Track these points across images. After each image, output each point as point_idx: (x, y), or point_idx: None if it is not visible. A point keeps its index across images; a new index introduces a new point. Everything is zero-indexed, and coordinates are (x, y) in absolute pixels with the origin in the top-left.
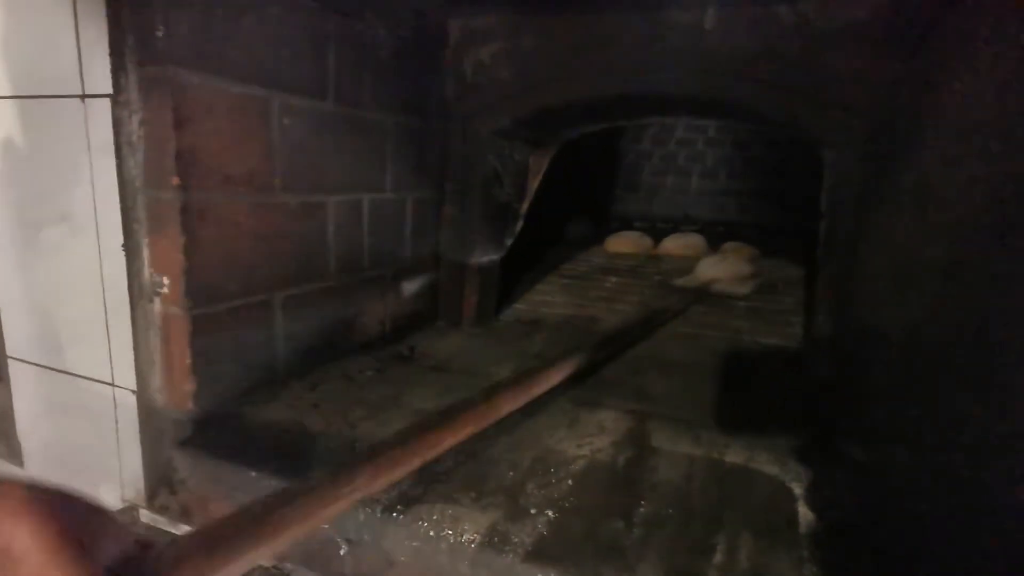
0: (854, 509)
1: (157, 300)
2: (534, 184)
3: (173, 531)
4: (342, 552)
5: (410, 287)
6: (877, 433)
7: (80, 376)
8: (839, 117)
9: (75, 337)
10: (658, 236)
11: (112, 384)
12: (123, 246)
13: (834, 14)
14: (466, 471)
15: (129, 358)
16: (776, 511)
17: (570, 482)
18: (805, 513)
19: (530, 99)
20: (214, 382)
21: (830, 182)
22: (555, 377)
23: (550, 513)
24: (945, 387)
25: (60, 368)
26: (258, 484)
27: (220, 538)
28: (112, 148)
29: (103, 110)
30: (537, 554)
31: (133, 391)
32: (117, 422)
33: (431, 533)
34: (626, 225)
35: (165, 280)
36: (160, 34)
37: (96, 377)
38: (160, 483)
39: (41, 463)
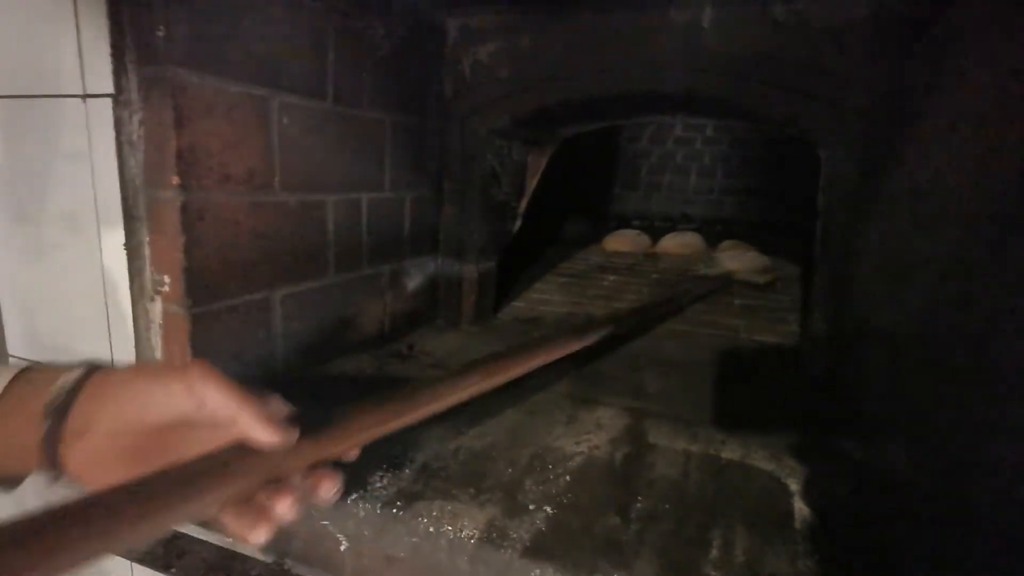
0: (850, 505)
1: (158, 299)
2: (532, 183)
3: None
4: (342, 548)
5: (410, 285)
6: (873, 430)
7: None
8: (835, 116)
9: (76, 336)
10: (656, 235)
11: None
12: (124, 245)
13: (831, 13)
14: (465, 468)
15: (130, 357)
16: (772, 506)
17: (568, 478)
18: (801, 508)
19: (528, 98)
20: None
21: (826, 181)
22: (587, 340)
23: (548, 509)
24: (941, 384)
25: None
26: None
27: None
28: (113, 148)
29: (104, 110)
30: (535, 550)
31: None
32: None
33: (430, 529)
34: (624, 224)
35: (166, 279)
36: (160, 34)
37: None
38: None
39: None
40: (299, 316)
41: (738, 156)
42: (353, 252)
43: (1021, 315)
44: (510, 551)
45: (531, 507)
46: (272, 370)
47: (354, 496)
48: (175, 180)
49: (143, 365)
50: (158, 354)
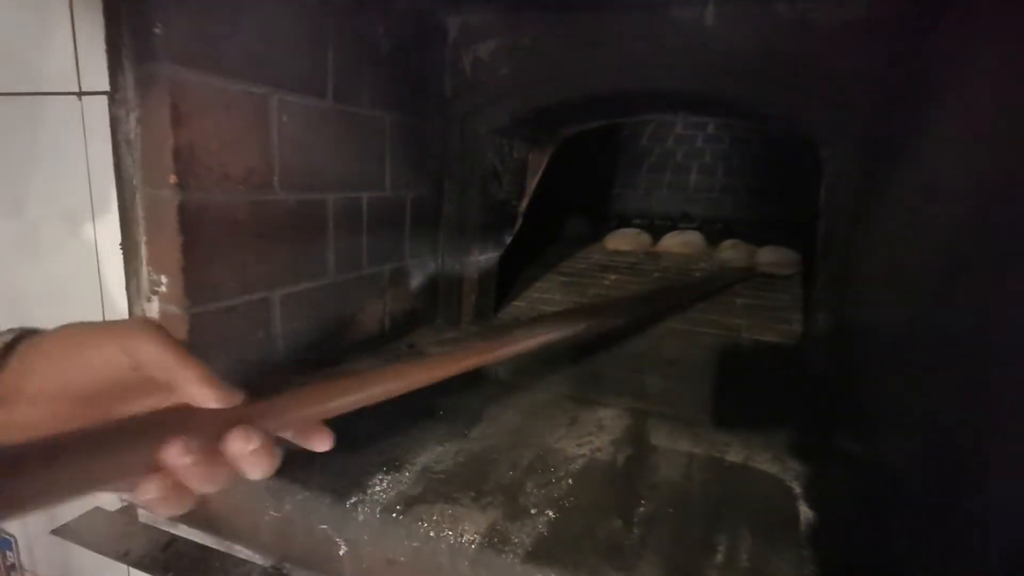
0: (855, 508)
1: (155, 299)
2: (533, 182)
3: (171, 531)
4: (341, 552)
5: (411, 284)
6: (876, 431)
7: None
8: (837, 115)
9: None
10: (657, 233)
11: None
12: (121, 245)
13: (833, 11)
14: (465, 470)
15: None
16: (777, 510)
17: (570, 481)
18: (805, 512)
19: (529, 96)
20: None
21: (828, 180)
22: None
23: (550, 513)
24: (943, 384)
25: None
26: (257, 483)
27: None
28: (109, 146)
29: (100, 108)
30: (537, 554)
31: None
32: None
33: (431, 533)
34: (624, 223)
35: (163, 279)
36: (157, 31)
37: None
38: None
39: None
40: (299, 316)
41: (739, 154)
42: (353, 251)
43: None
44: (512, 556)
45: (533, 511)
46: (272, 370)
47: (353, 499)
48: (173, 179)
49: (77, 324)
50: None
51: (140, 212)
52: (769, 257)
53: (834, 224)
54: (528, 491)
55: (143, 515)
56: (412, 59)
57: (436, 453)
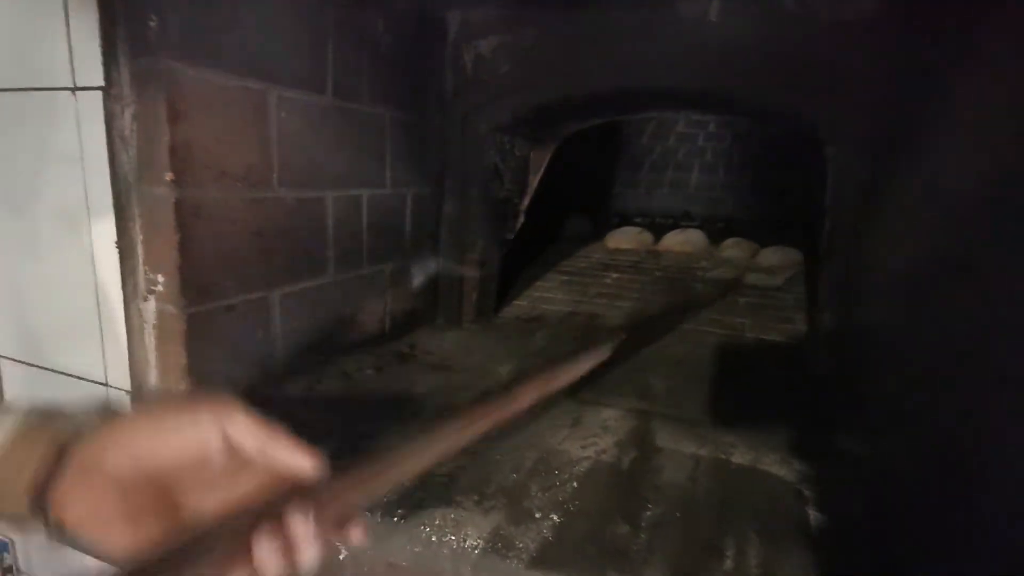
0: (863, 511)
1: (152, 298)
2: (535, 181)
3: None
4: (341, 557)
5: (411, 283)
6: (878, 431)
7: (72, 376)
8: (843, 112)
9: (67, 336)
10: (658, 232)
11: (106, 384)
12: (116, 243)
13: (839, 7)
14: (468, 473)
15: (123, 358)
16: (786, 514)
17: (574, 484)
18: (815, 516)
19: (531, 93)
20: (210, 382)
21: (833, 178)
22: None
23: (554, 516)
24: (948, 383)
25: (52, 367)
26: None
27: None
28: (104, 143)
29: (95, 103)
30: (542, 559)
31: (127, 391)
32: None
33: (433, 538)
34: (626, 221)
35: (160, 278)
36: (153, 25)
37: (89, 377)
38: None
39: None
40: (299, 316)
41: (741, 153)
42: (353, 250)
43: None
44: (516, 561)
45: (537, 514)
46: (271, 370)
47: None
48: (169, 176)
49: (162, 401)
50: (151, 355)
51: (136, 210)
52: (770, 259)
53: (838, 223)
54: (532, 494)
55: None
56: (412, 55)
57: None
